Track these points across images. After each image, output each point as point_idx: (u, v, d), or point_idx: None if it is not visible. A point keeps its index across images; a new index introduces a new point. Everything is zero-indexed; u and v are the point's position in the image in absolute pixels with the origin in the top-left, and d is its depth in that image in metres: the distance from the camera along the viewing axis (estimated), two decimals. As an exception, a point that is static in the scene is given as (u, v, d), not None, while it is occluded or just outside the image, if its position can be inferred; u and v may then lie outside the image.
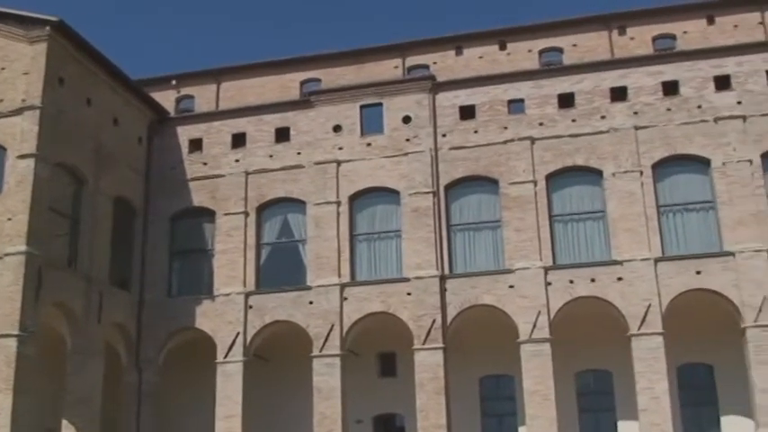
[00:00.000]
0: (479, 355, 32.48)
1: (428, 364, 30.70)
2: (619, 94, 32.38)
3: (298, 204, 34.00)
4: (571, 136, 32.23)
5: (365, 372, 33.60)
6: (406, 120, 33.71)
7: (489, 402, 33.34)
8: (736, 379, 29.78)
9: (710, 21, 40.09)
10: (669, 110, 31.79)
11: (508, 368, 31.80)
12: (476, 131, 33.08)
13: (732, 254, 29.75)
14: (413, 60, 42.21)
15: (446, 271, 31.79)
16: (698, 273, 29.88)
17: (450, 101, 33.73)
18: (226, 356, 32.38)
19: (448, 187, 32.85)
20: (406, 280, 31.81)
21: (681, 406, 30.74)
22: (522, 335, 30.32)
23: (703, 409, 31.47)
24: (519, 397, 30.94)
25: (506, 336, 30.73)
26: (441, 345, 30.78)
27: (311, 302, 32.38)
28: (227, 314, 32.87)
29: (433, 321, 30.94)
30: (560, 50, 40.95)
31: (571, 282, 30.65)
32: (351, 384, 31.84)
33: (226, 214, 34.22)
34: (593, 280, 30.50)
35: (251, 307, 32.89)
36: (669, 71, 32.30)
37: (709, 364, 31.71)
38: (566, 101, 32.74)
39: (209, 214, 34.69)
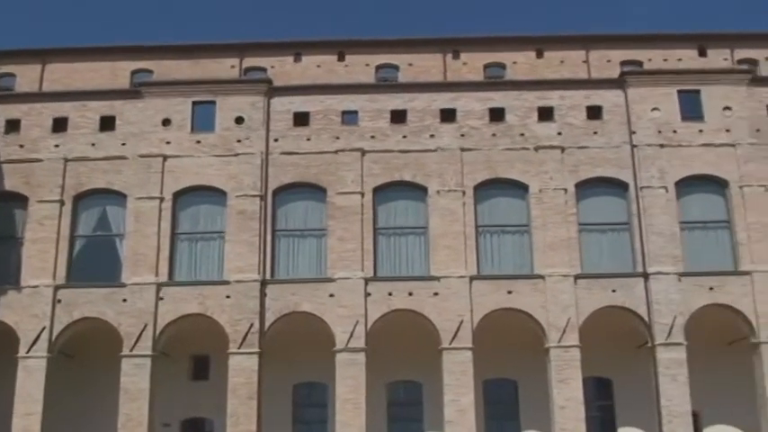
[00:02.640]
0: (294, 362, 32.45)
1: (242, 369, 30.34)
2: (448, 115, 33.37)
3: (118, 197, 32.76)
4: (401, 151, 32.88)
5: (176, 374, 32.79)
6: (239, 120, 33.30)
7: (301, 409, 33.36)
8: (538, 395, 31.27)
9: (539, 54, 42.07)
10: (494, 135, 33.06)
11: (322, 376, 31.95)
12: (308, 139, 33.14)
13: (542, 277, 31.26)
14: (250, 62, 41.79)
15: (268, 276, 31.57)
16: (509, 292, 31.17)
17: (285, 106, 33.64)
18: (28, 351, 30.65)
19: (276, 192, 32.68)
20: (226, 283, 31.33)
21: (485, 419, 31.97)
22: (338, 343, 30.54)
23: (506, 423, 32.87)
24: (331, 405, 31.11)
25: (322, 344, 30.86)
26: (257, 350, 30.50)
27: (125, 300, 31.25)
28: (34, 307, 31.17)
29: (251, 326, 30.63)
30: (396, 68, 41.78)
31: (390, 294, 31.19)
32: (161, 386, 30.94)
33: (39, 201, 32.48)
34: (410, 293, 31.17)
35: (59, 301, 31.34)
36: (497, 98, 33.63)
37: (514, 379, 33.17)
38: (398, 117, 33.40)
39: (21, 200, 32.76)
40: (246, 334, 30.54)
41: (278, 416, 32.12)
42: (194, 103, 33.64)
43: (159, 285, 31.36)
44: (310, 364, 32.21)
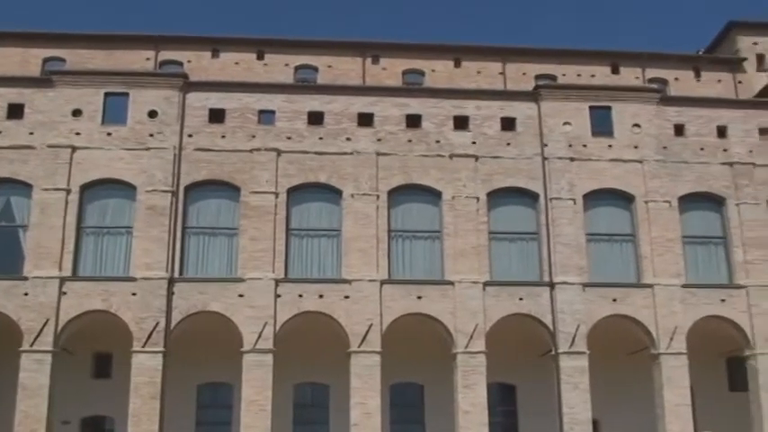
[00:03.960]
0: (200, 362, 32.04)
1: (146, 368, 29.74)
2: (365, 119, 33.46)
3: (23, 187, 31.66)
4: (317, 153, 32.80)
5: (78, 371, 32.00)
6: (153, 114, 32.68)
7: (205, 410, 32.95)
8: (444, 400, 31.60)
9: (457, 64, 42.64)
10: (410, 141, 33.31)
11: (228, 377, 31.65)
12: (223, 136, 32.75)
13: (452, 283, 31.62)
14: (167, 55, 41.14)
15: (176, 274, 31.04)
16: (419, 298, 31.43)
17: (201, 102, 33.16)
18: None
19: (188, 188, 32.17)
20: (133, 279, 30.68)
21: (391, 423, 32.11)
22: (246, 344, 30.25)
23: (411, 427, 33.20)
24: (236, 406, 30.80)
25: (230, 344, 30.52)
26: (161, 349, 29.94)
27: (26, 294, 30.25)
28: (-73, 298, 29.94)
29: (156, 324, 30.07)
30: (315, 69, 41.74)
31: (300, 296, 31.07)
32: (61, 384, 30.08)
33: (-64, 189, 31.25)
34: (321, 296, 31.11)
35: (-44, 293, 30.20)
36: (414, 105, 33.88)
37: (421, 384, 33.48)
38: (315, 119, 33.31)
39: None
40: (151, 332, 29.96)
41: (181, 416, 31.65)
42: (107, 95, 32.84)
43: (63, 280, 30.49)
44: (216, 365, 31.86)
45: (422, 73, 42.29)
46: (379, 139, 33.19)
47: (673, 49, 45.03)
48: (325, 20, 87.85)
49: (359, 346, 30.53)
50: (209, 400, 33.10)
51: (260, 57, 41.79)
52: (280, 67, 41.44)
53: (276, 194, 32.06)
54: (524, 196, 33.37)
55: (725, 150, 34.36)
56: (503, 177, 33.20)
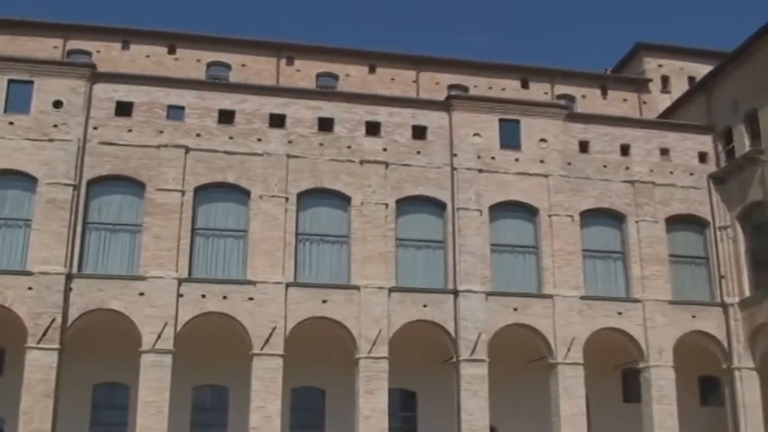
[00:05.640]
0: (97, 361, 31.19)
1: (40, 365, 28.82)
2: (277, 120, 33.25)
3: None
4: (226, 152, 32.42)
5: (-33, 367, 30.80)
6: (58, 104, 31.72)
7: (101, 410, 32.16)
8: (345, 405, 31.63)
9: (372, 70, 42.80)
10: (321, 145, 33.24)
11: (125, 377, 30.96)
12: (130, 130, 32.04)
13: (357, 288, 31.67)
14: (75, 44, 40.08)
15: (75, 270, 30.20)
16: (324, 302, 31.39)
17: (108, 94, 32.38)
18: None
19: (91, 183, 31.35)
20: (29, 274, 29.68)
21: (291, 427, 31.96)
22: (144, 344, 29.64)
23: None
24: (132, 407, 30.13)
25: (128, 343, 29.85)
26: (57, 346, 29.06)
27: None
28: None
29: (52, 321, 29.17)
30: (228, 67, 41.30)
31: (203, 296, 30.63)
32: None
33: None
34: (225, 297, 30.74)
35: None
36: (327, 109, 33.84)
37: (322, 388, 33.40)
38: (226, 117, 32.93)
39: None
40: (47, 329, 29.04)
41: (75, 416, 30.81)
42: (10, 82, 31.77)
43: (-46, 272, 29.34)
44: (113, 364, 31.09)
45: (336, 77, 42.30)
46: (290, 142, 33.01)
47: (581, 67, 46.21)
48: (240, 17, 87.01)
49: (261, 349, 30.27)
50: (105, 400, 32.34)
51: (171, 51, 41.08)
52: (192, 62, 40.83)
53: (182, 192, 31.54)
54: (432, 205, 33.70)
55: (627, 168, 35.44)
56: (412, 185, 33.47)
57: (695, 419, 34.44)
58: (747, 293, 34.35)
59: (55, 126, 31.43)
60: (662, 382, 32.84)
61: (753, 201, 34.40)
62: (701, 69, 42.19)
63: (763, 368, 33.75)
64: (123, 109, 32.32)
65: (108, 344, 30.82)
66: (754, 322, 33.56)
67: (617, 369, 35.62)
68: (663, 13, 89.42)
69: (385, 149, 33.67)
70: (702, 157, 36.55)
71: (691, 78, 43.91)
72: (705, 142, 36.80)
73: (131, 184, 31.63)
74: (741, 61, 35.43)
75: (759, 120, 34.27)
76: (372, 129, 33.91)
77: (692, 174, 36.14)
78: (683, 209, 35.56)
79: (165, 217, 31.12)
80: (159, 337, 29.63)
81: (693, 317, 34.20)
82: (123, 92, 32.51)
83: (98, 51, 40.04)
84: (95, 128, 31.84)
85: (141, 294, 30.14)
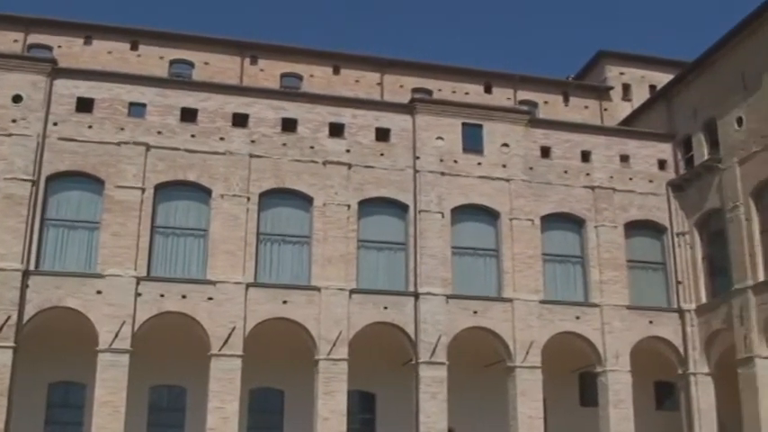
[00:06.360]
0: (52, 360, 30.75)
1: (-6, 363, 28.38)
2: (240, 120, 33.09)
3: None
4: (188, 151, 32.19)
5: None
6: (17, 99, 31.23)
7: (56, 410, 31.70)
8: (304, 406, 31.51)
9: (336, 71, 42.75)
10: (285, 145, 33.15)
11: (81, 376, 30.57)
12: (90, 127, 31.68)
13: (318, 289, 31.60)
14: (36, 38, 39.52)
15: (32, 266, 29.76)
16: (284, 302, 31.27)
17: (69, 90, 31.98)
18: None
19: (50, 179, 30.93)
20: (-15, 270, 29.24)
21: (249, 428, 31.78)
22: (101, 343, 29.29)
23: (269, 433, 32.88)
24: (88, 406, 29.77)
25: (85, 342, 29.50)
26: (12, 344, 28.58)
27: None
28: None
29: (8, 318, 28.69)
30: (191, 65, 40.99)
31: (162, 295, 30.37)
32: None
33: None
34: (184, 296, 30.50)
35: None
36: (291, 109, 33.75)
37: (281, 389, 33.26)
38: (188, 115, 32.69)
39: None
40: (2, 326, 28.55)
41: (30, 415, 30.31)
42: (-33, 76, 31.25)
43: None
44: (69, 363, 30.67)
45: (300, 77, 42.20)
46: (252, 141, 32.87)
47: (544, 74, 46.58)
48: (204, 15, 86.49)
49: (220, 350, 30.08)
50: (61, 400, 31.90)
51: (134, 47, 40.68)
52: (154, 59, 40.47)
53: (142, 190, 31.26)
54: (394, 207, 33.76)
55: (587, 174, 35.80)
56: (374, 187, 33.50)
57: (651, 423, 34.87)
58: (704, 300, 34.88)
59: (14, 121, 30.96)
60: (618, 387, 33.20)
61: (710, 208, 34.94)
62: (662, 78, 42.73)
63: (718, 373, 34.27)
64: (84, 105, 31.94)
65: (64, 342, 30.42)
66: (710, 328, 34.09)
67: (574, 373, 35.92)
68: (625, 22, 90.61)
69: (348, 151, 33.65)
70: (662, 165, 37.06)
71: (652, 87, 44.45)
72: (665, 150, 37.31)
73: (91, 181, 31.27)
74: (701, 71, 35.99)
75: (718, 128, 34.84)
76: (336, 130, 33.88)
77: (651, 181, 36.62)
78: (641, 215, 36.04)
79: (125, 214, 30.81)
80: (116, 336, 29.29)
81: (650, 322, 34.64)
82: (84, 88, 32.13)
83: (59, 46, 39.51)
84: (55, 123, 31.43)
85: (99, 292, 29.79)
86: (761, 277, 31.80)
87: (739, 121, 33.63)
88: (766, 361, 31.39)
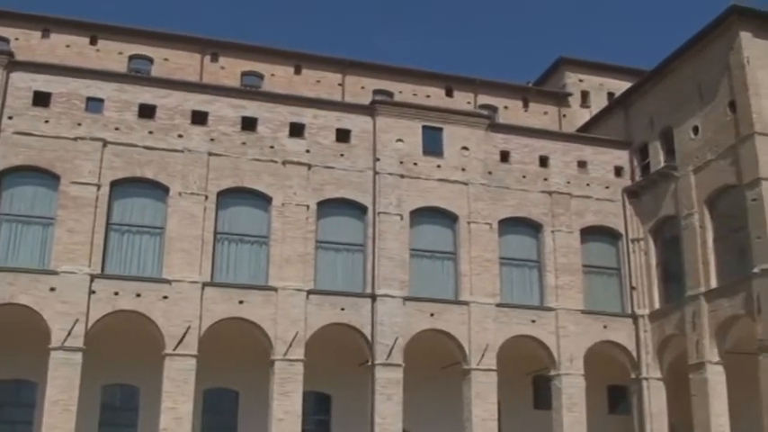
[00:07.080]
0: (3, 358, 30.08)
1: (-59, 360, 27.83)
2: (200, 117, 32.83)
3: None
4: (146, 147, 31.87)
5: None
6: (-30, 92, 30.71)
7: (6, 408, 31.17)
8: (258, 407, 31.33)
9: (298, 71, 42.59)
10: (244, 144, 32.96)
11: (32, 374, 30.07)
12: (47, 121, 31.20)
13: (275, 289, 31.47)
14: (-8, 30, 38.80)
15: (-17, 262, 29.26)
16: (241, 302, 31.08)
17: (26, 83, 31.46)
18: None
19: (4, 173, 30.40)
20: (-66, 265, 28.67)
21: (203, 429, 31.51)
22: (54, 341, 28.85)
23: (224, 434, 32.63)
24: (39, 405, 29.29)
25: (36, 340, 29.02)
26: (-40, 341, 28.13)
27: None
28: None
29: (-43, 314, 28.22)
30: (151, 60, 40.53)
31: (116, 293, 30.01)
32: None
33: None
34: (138, 295, 30.17)
35: None
36: (251, 108, 33.58)
37: (236, 390, 33.04)
38: (147, 112, 32.35)
39: None
40: (-50, 323, 28.10)
41: (-23, 414, 29.77)
42: None
43: None
44: (21, 361, 30.12)
45: (261, 76, 41.98)
46: (212, 139, 32.65)
47: (505, 79, 46.87)
48: (165, 11, 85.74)
49: (174, 349, 29.80)
50: (11, 398, 31.32)
51: (93, 42, 40.14)
52: (113, 54, 39.97)
53: (98, 186, 30.86)
54: (354, 208, 33.75)
55: (545, 179, 36.13)
56: (334, 188, 33.47)
57: (603, 427, 35.24)
58: (657, 305, 35.36)
59: (-33, 114, 30.40)
60: (572, 390, 33.53)
61: (665, 215, 35.43)
62: (621, 86, 43.24)
63: (670, 378, 34.76)
64: (41, 99, 31.44)
65: (16, 340, 29.88)
66: (663, 333, 34.56)
67: (529, 376, 36.18)
68: (586, 30, 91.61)
69: (308, 151, 33.57)
70: (618, 171, 37.50)
71: (610, 94, 44.95)
72: (621, 157, 37.77)
73: (46, 176, 30.80)
74: (658, 80, 36.48)
75: (674, 137, 35.34)
76: (296, 130, 33.77)
77: (607, 187, 37.05)
78: (597, 220, 36.44)
79: (80, 211, 30.39)
80: (69, 334, 28.88)
81: (605, 327, 35.03)
82: (41, 81, 31.65)
83: (16, 39, 38.84)
84: (10, 117, 30.91)
85: (52, 290, 29.35)
86: (713, 284, 32.33)
87: (695, 129, 34.15)
88: (717, 367, 31.92)
